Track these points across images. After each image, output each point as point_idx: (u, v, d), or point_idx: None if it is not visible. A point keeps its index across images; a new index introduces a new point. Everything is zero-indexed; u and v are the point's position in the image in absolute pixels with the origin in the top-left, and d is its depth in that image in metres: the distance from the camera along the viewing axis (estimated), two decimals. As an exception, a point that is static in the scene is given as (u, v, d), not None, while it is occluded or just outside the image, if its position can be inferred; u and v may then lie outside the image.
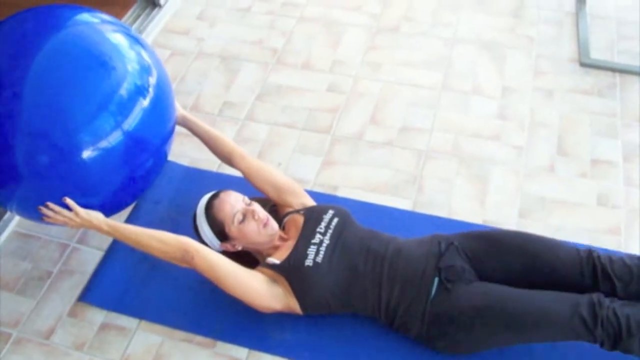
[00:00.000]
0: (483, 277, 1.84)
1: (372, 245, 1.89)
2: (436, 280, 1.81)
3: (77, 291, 2.13)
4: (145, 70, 1.94)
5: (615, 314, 1.69)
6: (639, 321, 1.68)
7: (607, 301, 1.72)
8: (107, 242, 2.24)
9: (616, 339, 1.69)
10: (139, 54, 1.95)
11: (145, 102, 1.90)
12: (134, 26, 3.01)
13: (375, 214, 2.24)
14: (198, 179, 2.41)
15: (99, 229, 1.91)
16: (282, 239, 1.98)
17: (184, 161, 2.49)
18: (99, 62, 1.84)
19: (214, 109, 2.70)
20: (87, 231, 2.28)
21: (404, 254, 1.87)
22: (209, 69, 2.88)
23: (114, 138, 1.83)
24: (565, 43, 2.90)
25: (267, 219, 1.93)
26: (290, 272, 1.85)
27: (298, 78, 2.83)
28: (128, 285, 2.11)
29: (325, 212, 1.98)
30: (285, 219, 2.04)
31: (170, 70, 2.85)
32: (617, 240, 2.15)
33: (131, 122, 1.86)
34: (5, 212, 2.32)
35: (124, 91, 1.84)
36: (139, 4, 3.10)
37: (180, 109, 2.19)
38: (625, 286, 1.79)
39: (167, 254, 1.88)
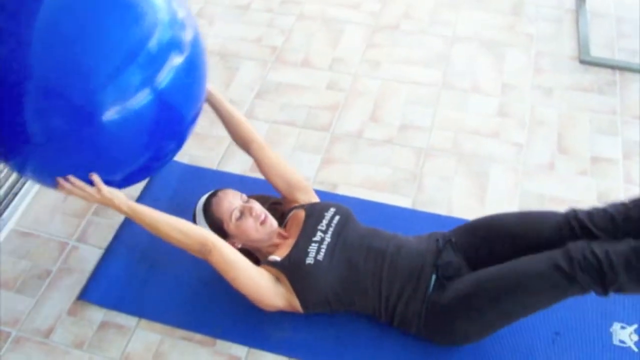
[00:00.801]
0: (476, 266, 1.84)
1: (372, 244, 1.89)
2: (434, 277, 1.82)
3: (77, 290, 2.13)
4: (179, 24, 1.66)
5: (592, 252, 1.63)
6: (620, 253, 1.61)
7: (582, 243, 1.67)
8: (106, 240, 2.24)
9: (601, 278, 1.62)
10: (171, 5, 1.66)
11: (178, 60, 1.62)
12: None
13: (375, 211, 2.24)
14: (197, 177, 2.41)
15: (118, 209, 1.82)
16: (281, 236, 1.97)
17: (183, 159, 2.48)
18: (124, 4, 1.55)
19: (213, 107, 2.69)
20: (86, 229, 2.28)
21: (404, 252, 1.87)
22: (209, 67, 2.87)
23: (143, 98, 1.55)
24: (565, 40, 2.90)
25: (265, 216, 1.93)
26: (291, 269, 1.84)
27: (297, 76, 2.83)
28: (127, 284, 2.11)
29: (327, 210, 1.98)
30: (289, 215, 2.04)
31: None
32: (617, 237, 2.15)
33: (162, 80, 1.58)
34: (4, 211, 2.32)
35: (154, 42, 1.56)
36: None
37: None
38: (611, 237, 1.72)
39: (185, 245, 1.84)
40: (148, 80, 1.56)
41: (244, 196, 1.97)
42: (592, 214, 1.78)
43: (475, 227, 1.93)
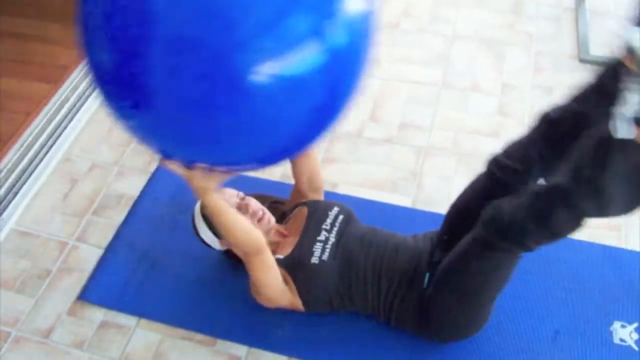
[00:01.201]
0: None
1: (372, 243, 1.89)
2: (427, 275, 1.82)
3: (77, 289, 2.13)
4: None
5: (495, 211, 1.63)
6: (520, 205, 1.59)
7: (488, 207, 1.66)
8: (106, 240, 2.24)
9: (509, 236, 1.62)
10: None
11: (352, 6, 1.22)
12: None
13: (375, 211, 2.24)
14: (197, 177, 2.40)
15: (202, 198, 1.60)
16: (281, 234, 1.97)
17: (183, 159, 2.48)
18: None
19: (212, 106, 2.69)
20: (86, 229, 2.28)
21: (401, 251, 1.87)
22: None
23: (310, 52, 1.16)
24: (564, 39, 2.90)
25: (262, 213, 1.92)
26: (296, 269, 1.84)
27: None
28: (127, 284, 2.11)
29: (331, 209, 1.97)
30: (291, 213, 2.03)
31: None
32: (618, 236, 2.15)
33: (335, 31, 1.18)
34: (4, 210, 2.32)
35: None
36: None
37: None
38: (532, 165, 1.67)
39: (243, 241, 1.71)
40: (317, 30, 1.16)
41: (241, 194, 1.96)
42: (507, 150, 1.73)
43: (451, 217, 1.92)
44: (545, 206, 1.55)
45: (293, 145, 1.40)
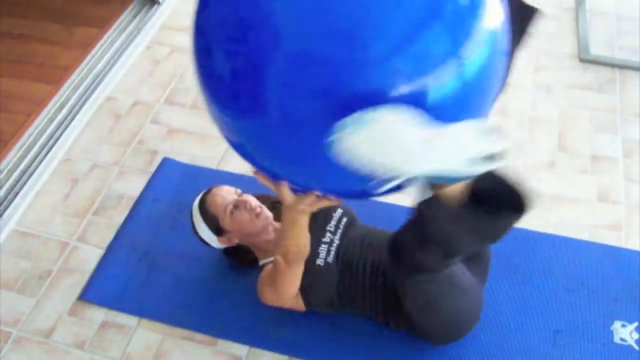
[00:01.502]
0: None
1: (372, 245, 1.88)
2: None
3: (77, 289, 2.13)
4: None
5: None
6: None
7: None
8: (107, 240, 2.24)
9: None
10: None
11: (489, 25, 1.11)
12: (133, 23, 3.00)
13: (376, 210, 2.23)
14: (197, 177, 2.40)
15: (289, 214, 1.55)
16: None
17: (183, 158, 2.48)
18: None
19: (213, 106, 2.69)
20: (87, 229, 2.28)
21: None
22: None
23: (444, 77, 1.05)
24: (564, 39, 2.89)
25: (260, 208, 1.92)
26: None
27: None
28: (128, 283, 2.11)
29: (334, 211, 1.97)
30: None
31: (169, 67, 2.86)
32: (618, 235, 2.15)
33: (470, 55, 1.07)
34: (4, 211, 2.32)
35: None
36: (138, 1, 3.09)
37: None
38: None
39: (294, 253, 1.67)
40: (452, 51, 1.05)
41: (239, 190, 1.97)
42: None
43: None
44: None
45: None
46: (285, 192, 1.41)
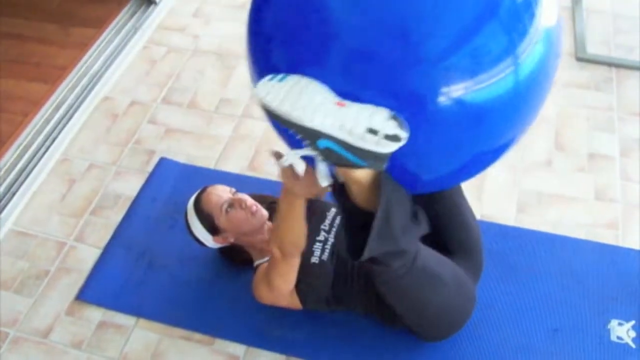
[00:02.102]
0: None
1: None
2: None
3: (75, 289, 2.13)
4: None
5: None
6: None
7: None
8: (104, 240, 2.24)
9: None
10: None
11: (545, 24, 1.12)
12: (130, 23, 3.00)
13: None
14: (194, 176, 2.40)
15: (291, 199, 1.56)
16: None
17: (180, 158, 2.48)
18: None
19: (210, 105, 2.69)
20: (84, 229, 2.28)
21: None
22: (205, 66, 2.88)
23: (501, 76, 1.05)
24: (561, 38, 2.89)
25: (256, 207, 1.92)
26: None
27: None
28: (126, 283, 2.11)
29: (329, 209, 1.97)
30: None
31: (166, 67, 2.86)
32: (615, 234, 2.15)
33: (527, 53, 1.08)
34: (2, 211, 2.32)
35: None
36: (135, 1, 3.09)
37: None
38: None
39: (290, 244, 1.69)
40: (510, 49, 1.04)
41: (233, 189, 1.97)
42: None
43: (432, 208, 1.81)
44: None
45: (457, 177, 1.28)
46: (287, 173, 1.47)
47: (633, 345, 1.87)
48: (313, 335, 1.94)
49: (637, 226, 2.17)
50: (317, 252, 1.85)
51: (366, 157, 1.14)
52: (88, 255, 2.21)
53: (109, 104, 2.74)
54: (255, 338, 1.96)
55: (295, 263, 1.74)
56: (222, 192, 1.94)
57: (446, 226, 1.81)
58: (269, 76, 1.18)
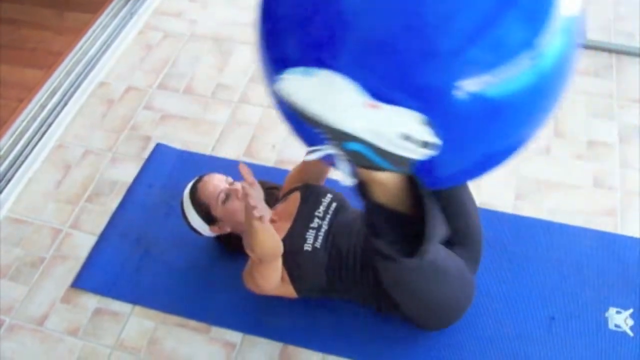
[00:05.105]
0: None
1: (361, 231, 1.86)
2: None
3: (71, 277, 2.12)
4: None
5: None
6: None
7: None
8: (100, 227, 2.23)
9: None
10: None
11: (566, 13, 1.07)
12: (126, 8, 2.97)
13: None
14: (191, 162, 2.39)
15: (254, 227, 1.56)
16: (270, 220, 1.94)
17: (176, 144, 2.47)
18: None
19: (207, 91, 2.67)
20: (79, 216, 2.27)
21: None
22: (202, 51, 2.85)
23: (520, 68, 1.03)
24: (561, 23, 2.87)
25: None
26: (288, 255, 1.82)
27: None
28: (122, 271, 2.10)
29: (324, 196, 1.96)
30: (284, 198, 2.02)
31: (162, 52, 2.84)
32: (614, 221, 2.14)
33: (548, 44, 1.04)
34: (-4, 198, 2.31)
35: None
36: (130, -15, 3.07)
37: None
38: None
39: (266, 255, 1.68)
40: (528, 41, 1.02)
41: (230, 179, 1.95)
42: None
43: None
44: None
45: (474, 170, 1.26)
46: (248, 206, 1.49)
47: (631, 333, 1.86)
48: (310, 323, 1.94)
49: (636, 214, 2.16)
50: (310, 240, 1.83)
51: (397, 162, 1.12)
52: (84, 242, 2.20)
53: (105, 89, 2.72)
54: (252, 325, 1.96)
55: (275, 265, 1.73)
56: (218, 182, 1.92)
57: (447, 216, 1.80)
58: (291, 69, 1.12)
